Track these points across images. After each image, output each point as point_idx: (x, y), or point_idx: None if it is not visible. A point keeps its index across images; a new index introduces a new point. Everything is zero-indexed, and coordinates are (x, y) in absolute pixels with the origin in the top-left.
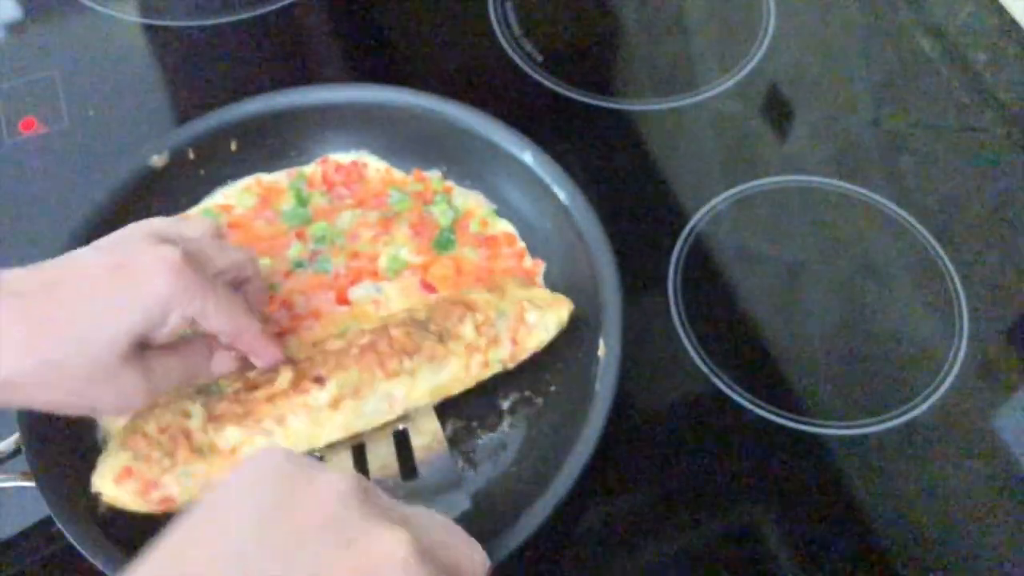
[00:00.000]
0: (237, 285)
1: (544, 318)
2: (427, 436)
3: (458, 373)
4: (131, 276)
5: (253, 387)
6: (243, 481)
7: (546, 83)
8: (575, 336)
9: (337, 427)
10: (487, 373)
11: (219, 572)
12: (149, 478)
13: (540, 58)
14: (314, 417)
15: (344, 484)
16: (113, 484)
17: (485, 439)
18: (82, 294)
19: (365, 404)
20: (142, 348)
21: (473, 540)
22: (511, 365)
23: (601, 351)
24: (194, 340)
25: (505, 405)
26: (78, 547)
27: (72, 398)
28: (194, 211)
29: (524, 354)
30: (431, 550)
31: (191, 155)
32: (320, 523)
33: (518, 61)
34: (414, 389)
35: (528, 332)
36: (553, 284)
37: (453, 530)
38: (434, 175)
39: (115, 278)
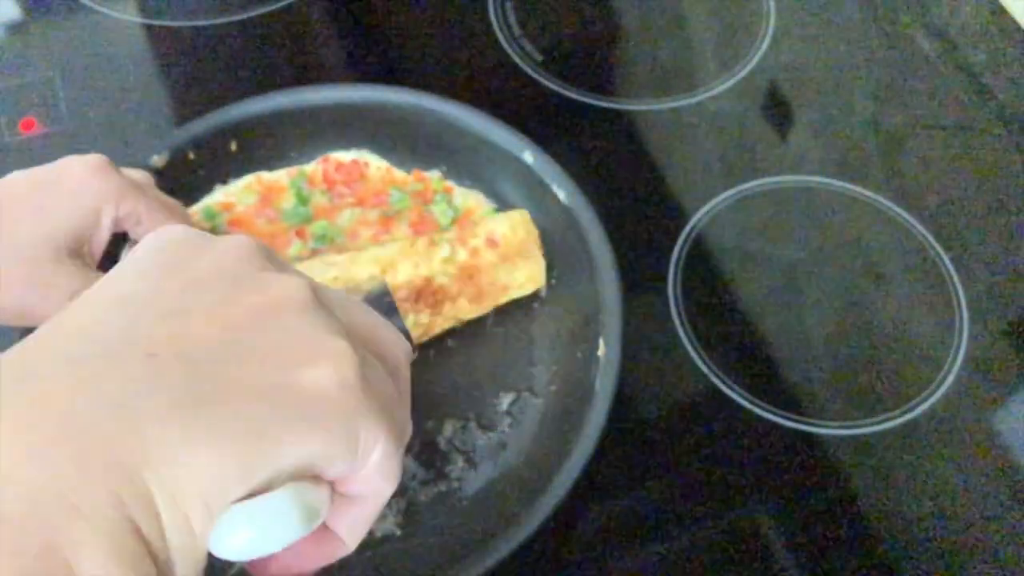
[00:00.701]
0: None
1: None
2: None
3: (403, 246)
4: (61, 182)
5: None
6: (136, 252)
7: (546, 83)
8: (575, 336)
9: None
10: (435, 254)
11: (103, 320)
12: None
13: (540, 58)
14: None
15: (248, 242)
16: None
17: (484, 439)
18: (16, 201)
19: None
20: (82, 260)
21: (399, 333)
22: (464, 253)
23: (601, 351)
24: None
25: (504, 405)
26: None
27: (11, 303)
28: (195, 209)
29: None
30: (351, 324)
31: (191, 155)
32: (216, 274)
33: (518, 61)
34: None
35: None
36: (553, 284)
37: (380, 320)
38: (434, 175)
39: (46, 185)
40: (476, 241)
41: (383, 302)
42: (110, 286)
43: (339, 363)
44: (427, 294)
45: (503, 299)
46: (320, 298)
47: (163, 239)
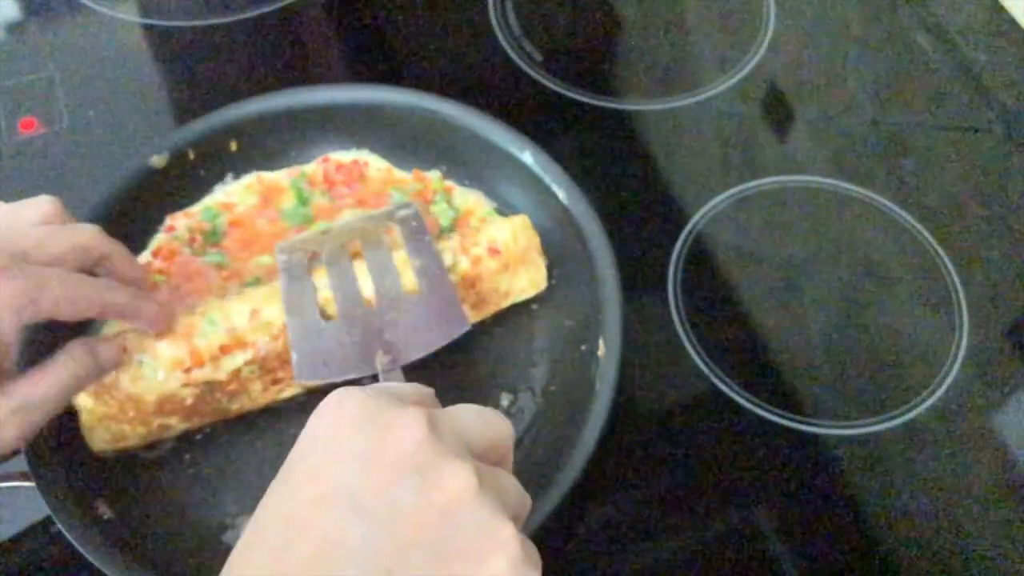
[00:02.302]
0: (93, 263)
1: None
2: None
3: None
4: None
5: None
6: (335, 428)
7: (546, 83)
8: (575, 336)
9: None
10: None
11: (332, 510)
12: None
13: (540, 58)
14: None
15: (419, 424)
16: (105, 444)
17: None
18: None
19: None
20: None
21: (499, 415)
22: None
23: (601, 351)
24: (67, 346)
25: (504, 404)
26: (78, 547)
27: None
28: (195, 208)
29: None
30: (480, 456)
31: (191, 155)
32: (408, 465)
33: (518, 61)
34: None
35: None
36: (553, 284)
37: (482, 415)
38: (434, 175)
39: None
40: (478, 250)
41: (412, 225)
42: (324, 470)
43: (508, 551)
44: None
45: (504, 304)
46: (479, 472)
47: (351, 415)
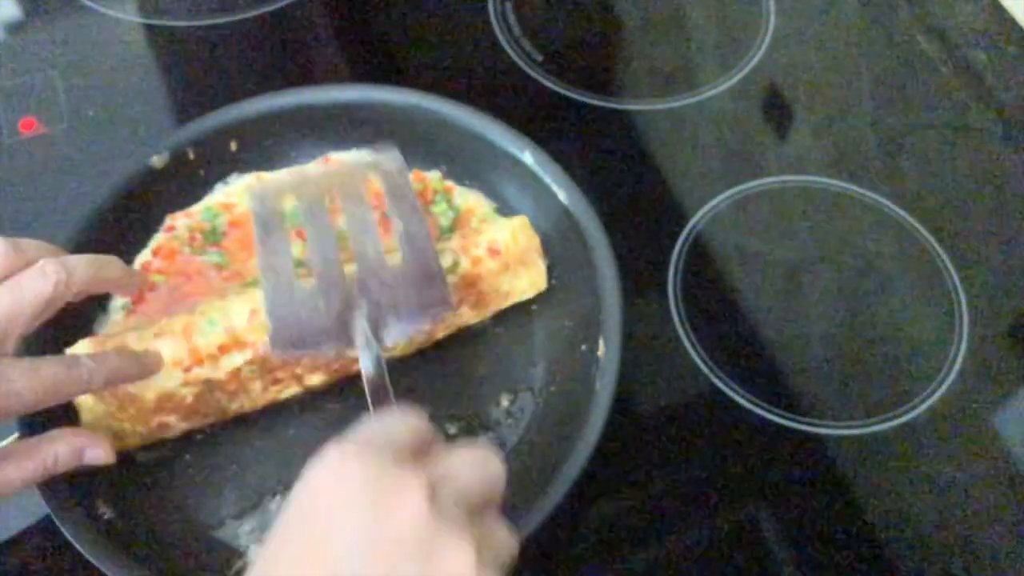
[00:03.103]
0: (66, 300)
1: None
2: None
3: None
4: None
5: None
6: (335, 496)
7: (546, 83)
8: (575, 336)
9: None
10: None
11: None
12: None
13: (540, 58)
14: None
15: (419, 497)
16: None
17: (484, 439)
18: None
19: None
20: None
21: (491, 457)
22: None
23: (601, 351)
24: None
25: (504, 404)
26: (78, 547)
27: None
28: (195, 208)
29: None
30: (477, 506)
31: (191, 155)
32: (408, 538)
33: (518, 61)
34: None
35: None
36: (553, 284)
37: (476, 463)
38: (434, 175)
39: None
40: (478, 251)
41: (395, 180)
42: (321, 545)
43: None
44: None
45: (505, 304)
46: (478, 548)
47: (351, 478)
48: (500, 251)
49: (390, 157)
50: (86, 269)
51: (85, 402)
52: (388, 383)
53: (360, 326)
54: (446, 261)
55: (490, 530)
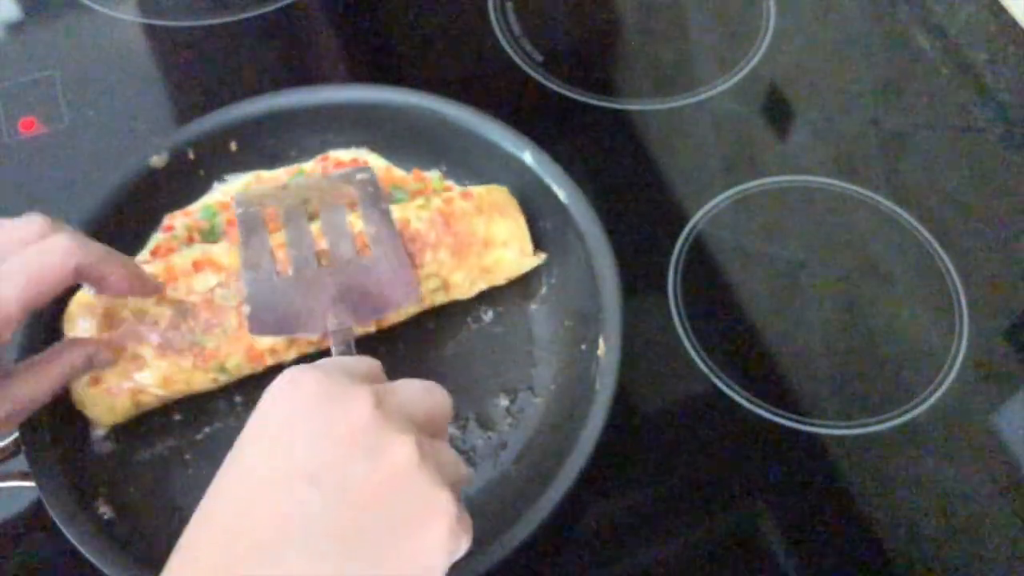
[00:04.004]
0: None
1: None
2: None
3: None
4: None
5: None
6: (290, 407)
7: (546, 83)
8: (575, 336)
9: None
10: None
11: (291, 487)
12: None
13: (540, 58)
14: None
15: (367, 401)
16: (85, 388)
17: (484, 439)
18: None
19: None
20: None
21: (440, 389)
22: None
23: (601, 350)
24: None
25: (504, 404)
26: (78, 547)
27: None
28: (193, 208)
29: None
30: (422, 427)
31: (191, 155)
32: (357, 435)
33: (518, 61)
34: None
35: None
36: (553, 284)
37: (423, 388)
38: (434, 175)
39: None
40: (450, 193)
41: (368, 190)
42: (280, 447)
43: (446, 518)
44: (405, 240)
45: (488, 260)
46: (420, 443)
47: (306, 393)
48: (472, 195)
49: (364, 171)
50: (108, 265)
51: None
52: None
53: (332, 313)
54: (415, 203)
55: (437, 449)
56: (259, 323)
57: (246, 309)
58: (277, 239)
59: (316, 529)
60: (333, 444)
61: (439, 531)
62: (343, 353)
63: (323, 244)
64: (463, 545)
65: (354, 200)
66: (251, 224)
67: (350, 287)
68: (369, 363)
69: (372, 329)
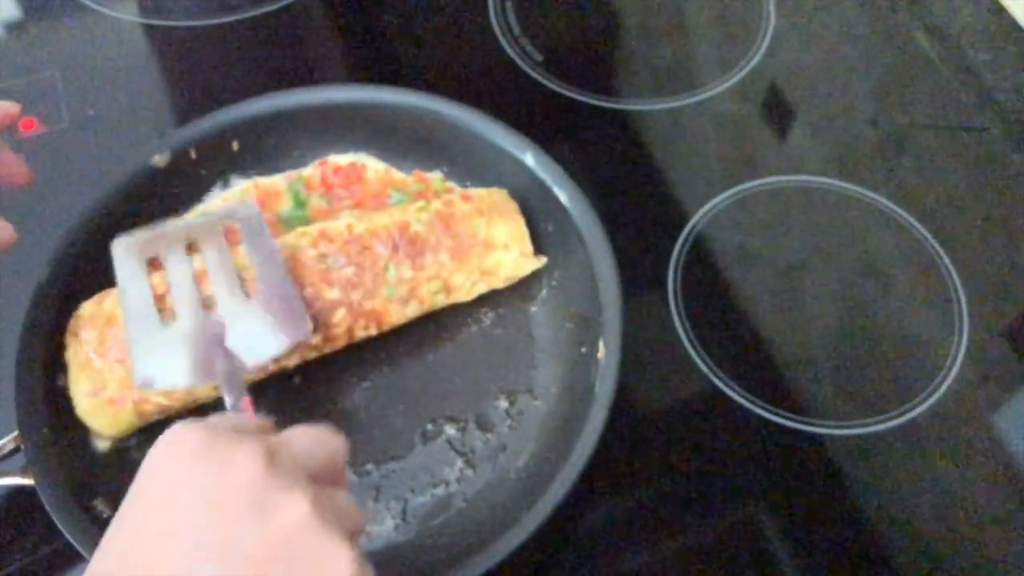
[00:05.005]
0: None
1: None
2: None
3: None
4: None
5: None
6: (176, 463)
7: (546, 83)
8: (575, 338)
9: None
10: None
11: (177, 548)
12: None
13: (540, 58)
14: None
15: (256, 457)
16: (88, 399)
17: (483, 440)
18: None
19: None
20: None
21: (332, 434)
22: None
23: (601, 354)
24: None
25: (504, 406)
26: (75, 545)
27: None
28: (192, 214)
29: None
30: (314, 478)
31: (193, 154)
32: (245, 492)
33: (518, 61)
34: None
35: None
36: (553, 286)
37: (316, 437)
38: (435, 176)
39: None
40: (450, 196)
41: (251, 225)
42: (165, 513)
43: (348, 569)
44: (405, 242)
45: (488, 262)
46: (313, 500)
47: (190, 450)
48: (472, 197)
49: (247, 207)
50: None
51: (79, 387)
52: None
53: (221, 361)
54: (418, 202)
55: (332, 497)
56: (145, 377)
57: (133, 362)
58: (160, 278)
59: None
60: (220, 505)
61: None
62: (235, 400)
63: (207, 286)
64: None
65: (237, 235)
66: (130, 271)
67: (239, 330)
68: (261, 421)
69: (373, 332)
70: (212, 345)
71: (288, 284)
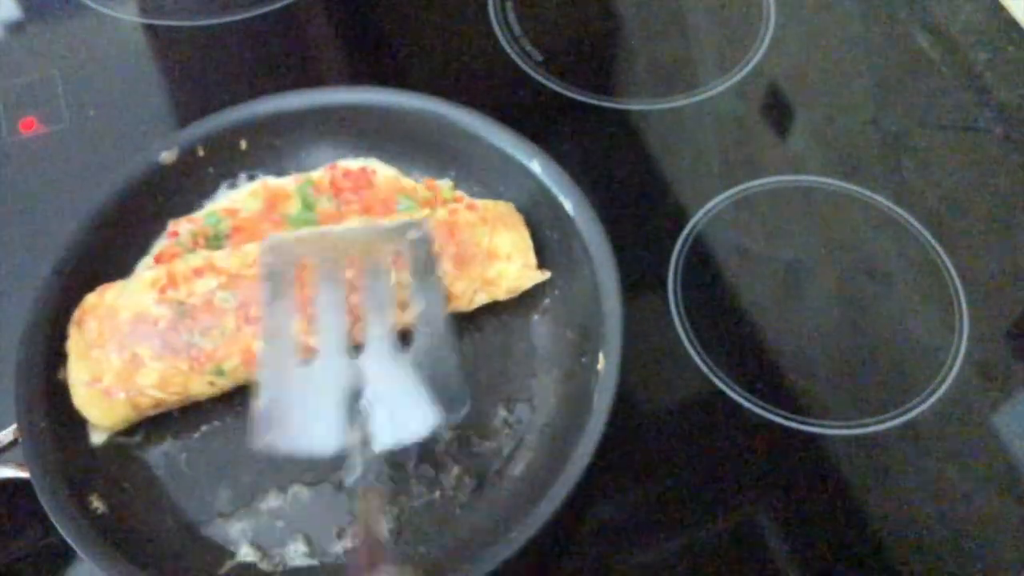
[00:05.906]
0: None
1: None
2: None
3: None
4: None
5: None
6: None
7: (546, 83)
8: (575, 348)
9: None
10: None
11: None
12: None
13: (540, 58)
14: None
15: None
16: (85, 388)
17: (485, 448)
18: None
19: None
20: None
21: None
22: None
23: (600, 364)
24: None
25: (503, 414)
26: (70, 542)
27: None
28: (198, 214)
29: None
30: None
31: (200, 152)
32: None
33: (518, 61)
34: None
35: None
36: (556, 295)
37: None
38: (445, 183)
39: None
40: (455, 205)
41: (422, 253)
42: None
43: None
44: None
45: (491, 273)
46: None
47: None
48: (477, 207)
49: (418, 226)
50: None
51: (77, 376)
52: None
53: (350, 431)
54: (423, 211)
55: None
56: (263, 433)
57: (258, 404)
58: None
59: None
60: None
61: None
62: (374, 512)
63: (354, 314)
64: None
65: (400, 258)
66: (278, 283)
67: (381, 392)
68: None
69: None
70: (347, 401)
71: (449, 340)
